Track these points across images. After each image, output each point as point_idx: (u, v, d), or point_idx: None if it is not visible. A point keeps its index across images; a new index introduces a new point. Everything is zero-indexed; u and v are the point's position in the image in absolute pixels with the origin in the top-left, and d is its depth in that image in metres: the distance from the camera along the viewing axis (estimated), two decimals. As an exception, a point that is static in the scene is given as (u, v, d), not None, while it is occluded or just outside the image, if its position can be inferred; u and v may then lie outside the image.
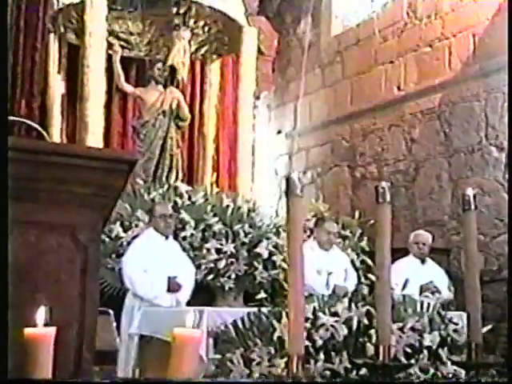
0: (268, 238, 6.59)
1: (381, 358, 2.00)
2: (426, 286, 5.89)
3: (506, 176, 6.69)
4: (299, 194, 1.88)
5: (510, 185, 6.53)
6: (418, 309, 4.08)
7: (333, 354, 3.68)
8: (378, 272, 2.01)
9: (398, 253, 5.43)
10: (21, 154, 2.02)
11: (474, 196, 2.19)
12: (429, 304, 4.14)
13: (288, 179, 1.90)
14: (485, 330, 2.37)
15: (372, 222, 7.23)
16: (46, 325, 1.63)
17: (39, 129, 3.09)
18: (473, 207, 2.20)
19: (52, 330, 1.62)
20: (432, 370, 3.38)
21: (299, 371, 1.85)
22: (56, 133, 7.80)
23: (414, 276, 5.68)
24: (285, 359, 3.54)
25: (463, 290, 6.10)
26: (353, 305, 3.87)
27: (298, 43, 10.01)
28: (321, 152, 9.35)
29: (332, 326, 3.70)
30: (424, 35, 7.94)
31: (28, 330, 1.61)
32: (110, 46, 7.80)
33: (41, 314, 1.63)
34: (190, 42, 8.27)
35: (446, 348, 3.91)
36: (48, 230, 2.09)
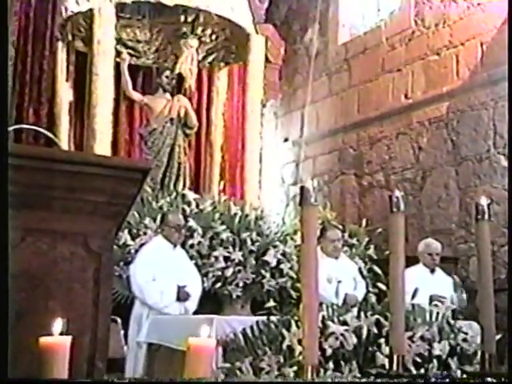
0: (275, 246, 6.58)
1: (394, 367, 1.98)
2: (435, 297, 5.86)
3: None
4: (313, 203, 1.88)
5: (510, 192, 6.51)
6: (428, 318, 4.08)
7: (342, 363, 3.68)
8: (391, 282, 2.00)
9: (406, 262, 5.40)
10: (34, 161, 2.03)
11: (488, 205, 2.17)
12: (438, 313, 4.13)
13: (302, 188, 1.90)
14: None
15: (379, 230, 7.27)
16: (61, 334, 1.63)
17: (53, 137, 3.08)
18: (486, 217, 2.18)
19: (67, 339, 1.62)
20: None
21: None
22: (64, 140, 7.81)
23: (424, 285, 5.65)
24: (294, 368, 3.55)
25: (472, 300, 6.04)
26: (362, 314, 3.86)
27: (305, 51, 10.01)
28: (328, 160, 9.33)
29: (341, 334, 3.69)
30: (431, 43, 7.93)
31: (43, 339, 1.61)
32: (117, 53, 7.82)
33: (57, 324, 1.63)
34: (197, 50, 8.30)
35: (455, 357, 3.90)
36: (61, 239, 2.10)
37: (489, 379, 2.12)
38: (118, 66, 7.75)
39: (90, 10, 7.44)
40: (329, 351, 3.62)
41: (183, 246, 6.06)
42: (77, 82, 8.11)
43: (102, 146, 7.19)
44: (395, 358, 1.96)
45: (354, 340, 3.68)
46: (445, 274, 6.39)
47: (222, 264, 6.34)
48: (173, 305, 5.54)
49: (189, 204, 6.90)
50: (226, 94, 8.93)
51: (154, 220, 6.34)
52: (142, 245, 5.99)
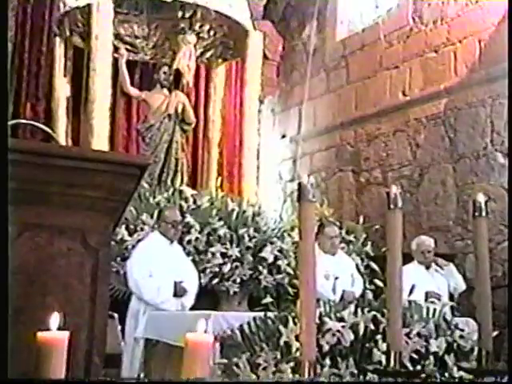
0: (272, 243, 6.59)
1: (392, 364, 1.98)
2: (431, 293, 5.88)
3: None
4: (311, 199, 1.88)
5: (509, 190, 6.52)
6: (424, 315, 4.08)
7: (339, 359, 3.68)
8: (389, 278, 2.00)
9: (403, 258, 5.41)
10: (31, 156, 2.02)
11: (486, 202, 2.17)
12: (435, 310, 4.13)
13: (300, 184, 1.89)
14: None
15: (377, 226, 7.28)
16: (58, 329, 1.63)
17: (50, 132, 3.08)
18: (484, 213, 2.18)
19: (65, 334, 1.62)
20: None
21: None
22: (61, 136, 7.79)
23: (420, 282, 5.67)
24: (291, 364, 3.54)
25: (469, 296, 6.05)
26: (359, 310, 3.86)
27: (303, 48, 10.01)
28: (325, 157, 9.34)
29: (338, 331, 3.69)
30: (429, 40, 7.94)
31: (41, 334, 1.61)
32: (115, 49, 7.81)
33: (54, 318, 1.63)
34: (195, 45, 8.28)
35: (452, 354, 3.90)
36: (58, 234, 2.09)
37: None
38: (115, 62, 7.74)
39: (88, 5, 7.44)
40: (326, 347, 3.61)
41: (180, 241, 6.05)
42: (74, 77, 8.10)
43: (99, 141, 7.19)
44: (392, 354, 1.97)
45: (351, 336, 3.68)
46: (440, 270, 6.40)
47: (220, 260, 6.34)
48: (170, 300, 5.53)
49: (186, 200, 6.89)
50: (223, 90, 8.93)
51: (151, 216, 6.34)
52: (138, 241, 5.99)
